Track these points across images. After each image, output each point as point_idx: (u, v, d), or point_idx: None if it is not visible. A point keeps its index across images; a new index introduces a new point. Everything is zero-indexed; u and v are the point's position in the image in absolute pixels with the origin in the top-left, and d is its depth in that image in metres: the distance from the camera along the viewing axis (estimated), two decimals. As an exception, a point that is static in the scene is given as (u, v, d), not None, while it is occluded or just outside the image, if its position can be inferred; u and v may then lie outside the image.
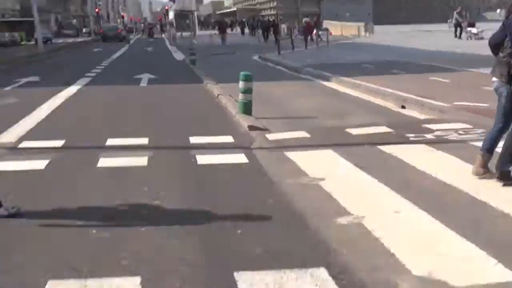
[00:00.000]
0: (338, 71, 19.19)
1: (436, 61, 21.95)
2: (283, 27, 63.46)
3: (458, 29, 39.84)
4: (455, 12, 41.72)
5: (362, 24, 54.59)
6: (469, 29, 38.74)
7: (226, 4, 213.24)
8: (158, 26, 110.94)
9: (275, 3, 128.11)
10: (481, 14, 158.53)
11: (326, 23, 66.71)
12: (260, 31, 55.32)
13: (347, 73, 18.37)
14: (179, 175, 7.30)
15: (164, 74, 21.93)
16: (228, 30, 65.90)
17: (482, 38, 34.39)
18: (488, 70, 6.95)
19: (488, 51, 6.73)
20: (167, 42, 54.42)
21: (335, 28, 60.78)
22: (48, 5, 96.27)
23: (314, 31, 39.95)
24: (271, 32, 50.65)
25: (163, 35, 76.16)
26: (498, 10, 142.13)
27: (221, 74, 20.08)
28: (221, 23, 69.28)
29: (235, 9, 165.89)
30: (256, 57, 29.75)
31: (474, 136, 8.64)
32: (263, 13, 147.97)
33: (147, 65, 26.40)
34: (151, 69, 23.37)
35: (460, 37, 38.43)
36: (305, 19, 49.22)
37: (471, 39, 37.10)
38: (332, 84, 17.18)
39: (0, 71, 25.28)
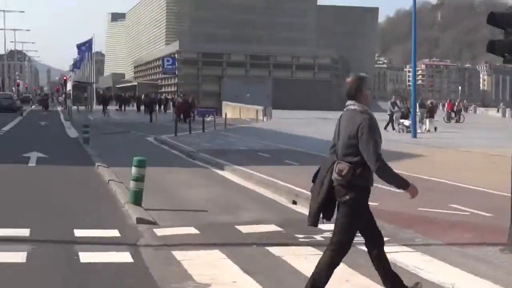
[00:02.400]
0: (232, 159, 19.20)
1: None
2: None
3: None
4: (389, 102, 39.77)
5: (261, 108, 55.34)
6: (402, 120, 35.60)
7: (127, 77, 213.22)
8: (54, 98, 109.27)
9: (176, 80, 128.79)
10: (376, 104, 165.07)
11: (224, 104, 67.53)
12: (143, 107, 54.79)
13: (241, 161, 18.39)
14: (60, 275, 7.00)
15: (55, 153, 21.32)
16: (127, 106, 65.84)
17: (435, 130, 33.58)
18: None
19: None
20: (61, 116, 53.37)
21: (234, 110, 61.47)
22: None
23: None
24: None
25: (58, 108, 74.95)
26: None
27: (114, 156, 19.72)
28: (104, 97, 69.19)
29: (135, 83, 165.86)
30: (151, 138, 29.48)
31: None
32: (164, 89, 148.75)
33: (38, 141, 25.65)
34: (42, 146, 22.69)
35: (386, 129, 33.84)
36: (178, 98, 49.13)
37: (402, 132, 34.43)
38: (226, 173, 17.12)
39: None
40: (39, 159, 19.14)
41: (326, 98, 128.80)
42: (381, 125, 32.40)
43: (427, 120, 38.24)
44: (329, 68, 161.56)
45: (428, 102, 43.45)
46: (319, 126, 44.28)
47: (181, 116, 44.51)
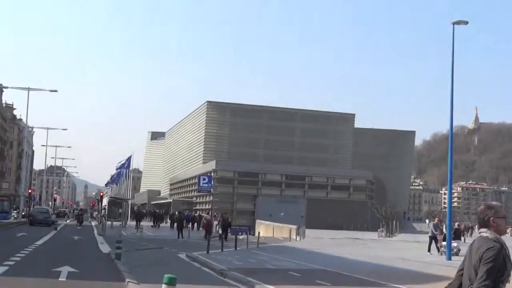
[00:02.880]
0: (263, 278, 18.96)
1: (371, 274, 21.92)
2: (215, 223, 63.77)
3: (433, 242, 36.47)
4: (431, 224, 39.30)
5: (294, 227, 55.03)
6: (444, 243, 34.16)
7: (162, 194, 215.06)
8: (89, 213, 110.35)
9: (211, 198, 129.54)
10: (411, 225, 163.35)
11: (258, 223, 67.42)
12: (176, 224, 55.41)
13: (272, 280, 18.15)
14: None
15: (86, 268, 21.28)
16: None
17: (457, 254, 32.47)
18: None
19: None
20: (95, 231, 53.65)
21: (267, 229, 61.28)
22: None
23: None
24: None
25: (93, 223, 75.53)
26: (427, 221, 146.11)
27: (144, 272, 19.59)
28: (138, 213, 69.82)
29: (170, 200, 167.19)
30: (183, 255, 29.34)
31: None
32: (198, 207, 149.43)
33: (70, 256, 25.71)
34: (74, 261, 22.69)
35: (430, 251, 34.85)
36: (205, 216, 50.02)
37: (445, 254, 32.92)
38: (257, 292, 16.85)
39: None
40: (70, 273, 19.09)
41: (360, 218, 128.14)
42: (417, 247, 31.74)
43: (456, 242, 36.87)
44: (364, 189, 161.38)
45: (456, 224, 43.10)
46: (352, 246, 43.77)
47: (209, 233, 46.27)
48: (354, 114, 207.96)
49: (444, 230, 37.34)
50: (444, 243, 34.35)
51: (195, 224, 66.70)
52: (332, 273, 22.40)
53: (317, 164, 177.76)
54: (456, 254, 32.85)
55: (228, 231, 43.97)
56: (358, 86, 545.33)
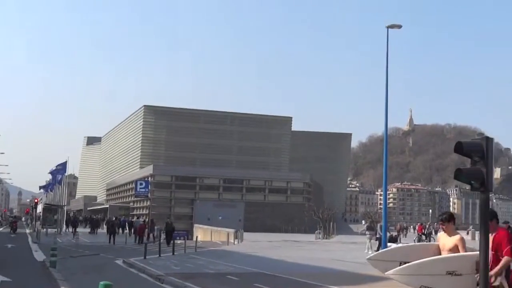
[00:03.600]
0: (201, 282, 18.90)
1: (305, 276, 22.03)
2: (156, 228, 63.32)
3: (375, 243, 37.80)
4: (378, 225, 39.87)
5: (232, 231, 55.06)
6: (389, 244, 34.11)
7: (99, 200, 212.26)
8: (23, 220, 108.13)
9: (148, 203, 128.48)
10: (348, 226, 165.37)
11: (196, 227, 67.22)
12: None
13: (210, 285, 18.13)
14: None
15: (20, 277, 20.82)
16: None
17: None
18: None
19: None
20: (30, 239, 52.58)
21: (205, 233, 61.16)
22: None
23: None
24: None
25: (27, 230, 74.01)
26: (363, 222, 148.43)
27: (80, 279, 19.28)
28: (74, 219, 69.18)
29: (107, 206, 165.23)
30: (120, 261, 28.99)
31: None
32: (135, 212, 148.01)
33: (2, 264, 25.09)
34: (7, 269, 22.17)
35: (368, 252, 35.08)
36: (137, 220, 50.76)
37: None
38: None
39: None
40: (3, 283, 18.64)
41: (298, 221, 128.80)
42: (353, 248, 32.03)
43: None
44: (302, 192, 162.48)
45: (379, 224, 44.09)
46: (290, 249, 44.02)
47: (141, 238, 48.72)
48: (291, 117, 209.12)
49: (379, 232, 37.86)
50: (389, 244, 34.05)
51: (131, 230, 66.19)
52: (270, 276, 22.46)
53: (255, 168, 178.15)
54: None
55: (172, 236, 44.08)
56: (294, 90, 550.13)
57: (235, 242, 51.32)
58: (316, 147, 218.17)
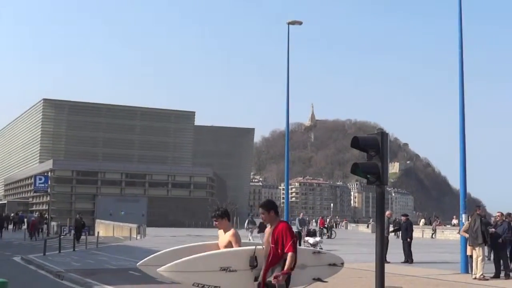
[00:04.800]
0: (102, 278, 18.68)
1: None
2: (53, 224, 62.20)
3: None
4: (297, 219, 39.71)
5: (135, 226, 54.63)
6: (307, 238, 33.88)
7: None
8: None
9: (48, 198, 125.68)
10: (253, 220, 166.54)
11: (97, 223, 66.28)
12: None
13: (111, 281, 17.92)
14: None
15: None
16: None
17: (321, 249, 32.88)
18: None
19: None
20: None
21: (107, 229, 60.45)
22: None
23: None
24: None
25: None
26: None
27: (-25, 277, 18.68)
28: None
29: (5, 201, 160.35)
30: (18, 258, 28.29)
31: None
32: (35, 207, 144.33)
33: None
34: None
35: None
36: (31, 216, 50.42)
37: None
38: (94, 294, 16.58)
39: None
40: None
41: (202, 215, 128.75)
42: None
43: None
44: (205, 186, 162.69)
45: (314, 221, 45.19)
46: (192, 243, 43.96)
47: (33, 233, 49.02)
48: (194, 112, 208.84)
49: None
50: (307, 238, 34.33)
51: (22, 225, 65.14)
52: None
53: (158, 162, 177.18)
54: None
55: (82, 232, 43.61)
56: (199, 84, 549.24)
57: (138, 237, 50.98)
58: (220, 142, 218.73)
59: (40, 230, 52.16)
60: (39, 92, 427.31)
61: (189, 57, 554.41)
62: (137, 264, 10.21)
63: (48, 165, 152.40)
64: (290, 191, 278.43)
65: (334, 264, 9.87)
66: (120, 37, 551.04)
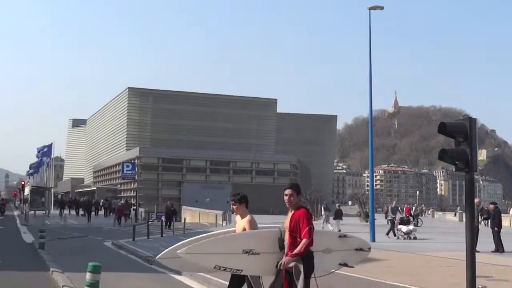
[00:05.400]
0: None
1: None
2: (141, 210, 63.52)
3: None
4: (389, 207, 39.70)
5: (220, 212, 55.27)
6: (400, 226, 34.61)
7: (86, 182, 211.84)
8: (11, 202, 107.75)
9: (135, 185, 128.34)
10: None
11: (184, 209, 67.30)
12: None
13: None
14: None
15: (9, 259, 20.87)
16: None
17: (415, 238, 32.99)
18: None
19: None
20: (18, 221, 52.56)
21: (193, 215, 61.28)
22: None
23: None
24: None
25: (15, 212, 73.92)
26: (350, 203, 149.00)
27: (70, 261, 19.36)
28: (61, 201, 70.37)
29: (94, 188, 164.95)
30: (109, 243, 29.09)
31: None
32: (123, 194, 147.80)
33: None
34: (-5, 251, 22.23)
35: (388, 235, 34.82)
36: (115, 201, 51.34)
37: (402, 238, 33.51)
38: (183, 278, 16.86)
39: None
40: (-9, 264, 18.73)
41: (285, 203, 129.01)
42: (348, 230, 31.97)
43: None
44: (289, 174, 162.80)
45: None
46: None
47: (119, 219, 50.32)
48: (276, 99, 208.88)
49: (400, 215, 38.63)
50: (400, 226, 34.69)
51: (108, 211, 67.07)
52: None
53: (241, 150, 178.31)
54: (410, 237, 33.36)
55: (173, 219, 44.50)
56: (280, 72, 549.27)
57: (223, 224, 51.53)
58: (302, 129, 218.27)
59: (126, 216, 53.40)
60: (125, 80, 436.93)
61: (271, 45, 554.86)
62: (156, 257, 9.97)
63: (134, 152, 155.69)
64: (374, 178, 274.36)
65: (361, 249, 9.51)
66: (203, 24, 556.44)
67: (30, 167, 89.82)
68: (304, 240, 8.20)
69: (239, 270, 8.72)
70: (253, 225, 9.32)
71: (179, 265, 9.38)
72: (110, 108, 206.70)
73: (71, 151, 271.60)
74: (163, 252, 9.50)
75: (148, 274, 18.05)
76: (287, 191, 8.74)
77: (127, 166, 67.44)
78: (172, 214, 46.44)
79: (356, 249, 9.47)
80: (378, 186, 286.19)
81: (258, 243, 8.72)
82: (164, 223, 40.20)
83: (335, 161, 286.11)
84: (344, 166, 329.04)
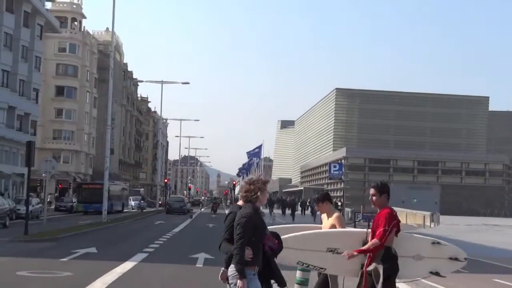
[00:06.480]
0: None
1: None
2: (347, 211, 63.68)
3: None
4: None
5: (428, 213, 54.02)
6: None
7: (293, 182, 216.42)
8: (223, 201, 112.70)
9: (342, 185, 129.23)
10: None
11: (391, 210, 66.46)
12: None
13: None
14: None
15: (222, 255, 21.65)
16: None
17: None
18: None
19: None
20: (229, 219, 54.66)
21: (400, 216, 59.96)
22: (119, 170, 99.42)
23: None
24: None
25: (226, 211, 77.17)
26: None
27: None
28: (270, 200, 72.25)
29: (302, 188, 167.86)
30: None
31: None
32: (331, 194, 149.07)
33: (205, 243, 26.25)
34: (209, 248, 23.13)
35: None
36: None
37: None
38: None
39: (60, 240, 25.63)
40: (206, 260, 19.50)
41: (498, 204, 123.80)
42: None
43: None
44: (501, 174, 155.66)
45: None
46: (490, 233, 42.28)
47: None
48: (487, 97, 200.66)
49: None
50: None
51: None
52: (470, 260, 21.70)
53: (450, 149, 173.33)
54: None
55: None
56: (493, 67, 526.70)
57: (431, 225, 50.35)
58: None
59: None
60: (330, 82, 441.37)
61: (482, 41, 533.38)
62: None
63: (341, 152, 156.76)
64: None
65: (456, 259, 8.83)
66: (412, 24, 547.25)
67: (242, 167, 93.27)
68: (374, 240, 7.87)
69: (322, 268, 8.63)
70: (341, 221, 9.26)
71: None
72: (317, 109, 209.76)
73: (279, 152, 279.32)
74: None
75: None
76: (371, 191, 8.39)
77: (334, 167, 67.69)
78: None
79: (451, 258, 8.90)
80: None
81: (344, 243, 8.46)
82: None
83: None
84: None
